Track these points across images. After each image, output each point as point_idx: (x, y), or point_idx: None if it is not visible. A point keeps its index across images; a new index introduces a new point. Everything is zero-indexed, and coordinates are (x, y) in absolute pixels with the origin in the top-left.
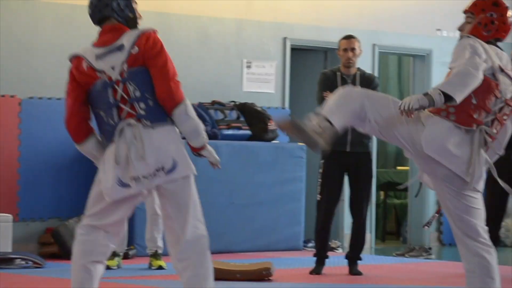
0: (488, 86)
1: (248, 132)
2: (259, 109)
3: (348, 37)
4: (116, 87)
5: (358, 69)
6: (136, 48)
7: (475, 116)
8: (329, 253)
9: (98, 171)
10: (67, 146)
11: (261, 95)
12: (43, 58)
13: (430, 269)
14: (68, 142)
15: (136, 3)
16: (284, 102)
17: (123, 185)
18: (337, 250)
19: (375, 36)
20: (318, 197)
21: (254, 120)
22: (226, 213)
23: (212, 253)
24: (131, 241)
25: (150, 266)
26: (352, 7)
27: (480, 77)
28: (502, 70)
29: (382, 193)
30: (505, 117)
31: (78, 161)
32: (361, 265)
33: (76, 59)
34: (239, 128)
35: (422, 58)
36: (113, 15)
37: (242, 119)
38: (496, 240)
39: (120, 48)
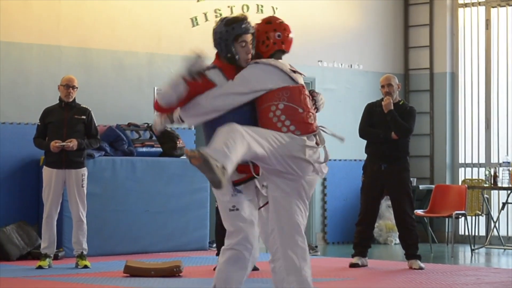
0: (298, 92)
1: (160, 149)
2: (169, 129)
3: None
4: None
5: None
6: None
7: (310, 121)
8: None
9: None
10: (5, 162)
11: None
12: None
13: (317, 264)
14: (5, 159)
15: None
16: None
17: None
18: None
19: None
20: (217, 204)
21: (165, 139)
22: (142, 220)
23: (130, 254)
24: (60, 244)
25: (76, 266)
26: None
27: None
28: (295, 72)
29: None
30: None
31: (13, 176)
32: (257, 261)
33: None
34: (152, 146)
35: (306, 86)
36: None
37: (154, 138)
38: (370, 238)
39: None
